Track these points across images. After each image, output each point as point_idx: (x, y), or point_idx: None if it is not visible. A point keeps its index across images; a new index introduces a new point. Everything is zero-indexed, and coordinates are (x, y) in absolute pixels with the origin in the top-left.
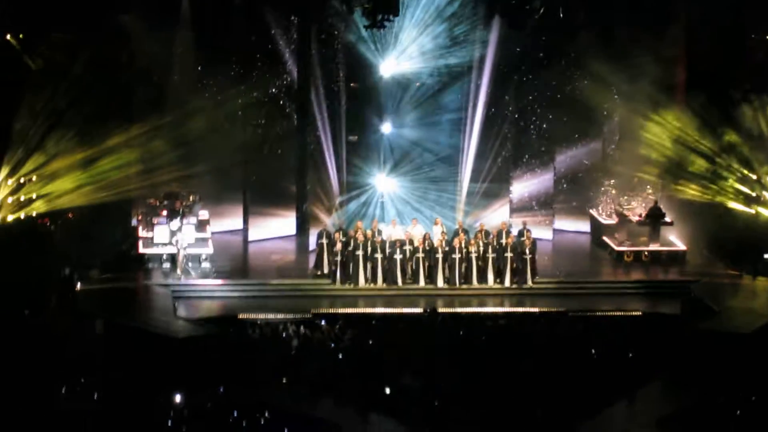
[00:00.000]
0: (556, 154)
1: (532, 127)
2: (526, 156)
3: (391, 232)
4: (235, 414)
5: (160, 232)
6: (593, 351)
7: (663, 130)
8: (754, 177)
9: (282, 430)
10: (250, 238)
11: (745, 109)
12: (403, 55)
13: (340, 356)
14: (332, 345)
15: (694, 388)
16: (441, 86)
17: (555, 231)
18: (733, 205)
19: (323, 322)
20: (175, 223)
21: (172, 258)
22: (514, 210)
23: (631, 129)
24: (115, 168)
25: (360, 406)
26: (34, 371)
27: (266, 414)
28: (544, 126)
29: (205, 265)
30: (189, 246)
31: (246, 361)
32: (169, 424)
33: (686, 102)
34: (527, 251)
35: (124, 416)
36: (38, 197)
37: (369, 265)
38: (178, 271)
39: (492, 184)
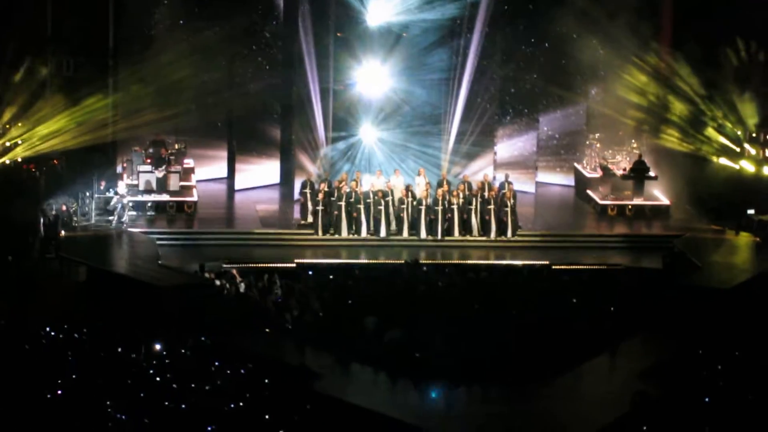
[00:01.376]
0: (540, 114)
1: (516, 88)
2: (510, 114)
3: (375, 182)
4: (217, 363)
5: (145, 179)
6: (575, 303)
7: (645, 73)
8: (738, 132)
9: (263, 378)
10: (236, 187)
11: (731, 54)
12: (390, 5)
13: (322, 307)
14: (314, 295)
15: (675, 342)
16: (428, 40)
17: (539, 184)
18: (716, 158)
19: (310, 273)
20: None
21: (157, 206)
22: (499, 167)
23: (615, 73)
24: (97, 110)
25: (340, 355)
26: (18, 317)
27: (248, 363)
28: (528, 87)
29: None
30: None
31: (227, 310)
32: (151, 372)
33: (671, 43)
34: (508, 203)
35: (105, 364)
36: (21, 141)
37: (352, 216)
38: (115, 220)
39: (476, 143)
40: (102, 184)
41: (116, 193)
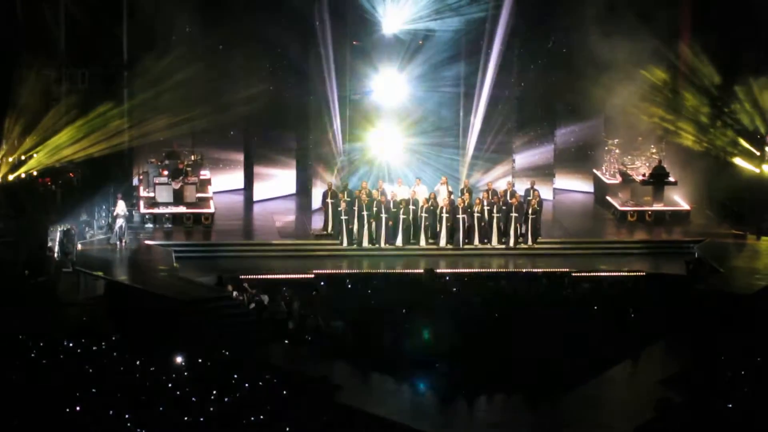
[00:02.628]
0: (558, 122)
1: (534, 98)
2: (529, 123)
3: (396, 191)
4: (236, 376)
5: (162, 191)
6: (596, 310)
7: (663, 69)
8: (759, 127)
9: (282, 390)
10: (255, 198)
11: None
12: (406, 14)
13: (342, 317)
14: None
15: (697, 348)
16: (446, 50)
17: (558, 191)
18: (737, 161)
19: (322, 284)
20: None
21: (174, 218)
22: (517, 174)
23: (633, 73)
24: (111, 119)
25: (361, 366)
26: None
27: (268, 375)
28: (546, 96)
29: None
30: (123, 216)
31: (247, 322)
32: (170, 385)
33: (690, 35)
34: (531, 211)
35: (124, 377)
36: (36, 153)
37: (373, 225)
38: (116, 241)
39: (495, 152)
40: (119, 197)
41: (114, 214)
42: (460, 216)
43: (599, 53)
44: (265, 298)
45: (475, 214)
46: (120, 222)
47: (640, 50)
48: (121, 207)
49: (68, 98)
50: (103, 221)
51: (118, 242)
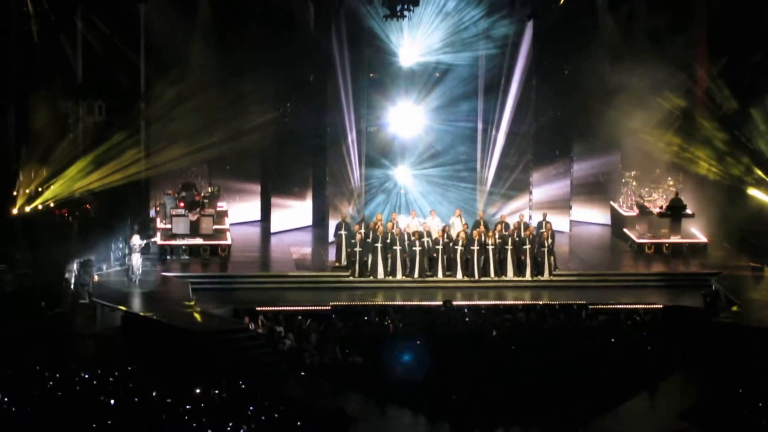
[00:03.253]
0: (575, 156)
1: (551, 133)
2: (546, 157)
3: (410, 223)
4: (252, 408)
5: (179, 223)
6: (613, 342)
7: (680, 96)
8: None
9: (296, 422)
10: (271, 230)
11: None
12: (422, 46)
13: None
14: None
15: (715, 381)
16: (464, 82)
17: (575, 223)
18: (753, 192)
19: (333, 316)
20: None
21: (190, 250)
22: (534, 207)
23: (649, 102)
24: (127, 149)
25: (377, 398)
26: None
27: (283, 407)
28: (563, 131)
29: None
30: (138, 249)
31: (263, 354)
32: (186, 417)
33: (708, 59)
34: (546, 243)
35: (140, 408)
36: (52, 184)
37: (388, 257)
38: (131, 275)
39: (512, 186)
40: (136, 228)
41: (129, 248)
42: (475, 248)
43: (614, 82)
44: (280, 330)
45: (489, 247)
46: (135, 257)
47: (655, 77)
48: (135, 240)
49: (84, 129)
50: (120, 253)
51: (133, 276)
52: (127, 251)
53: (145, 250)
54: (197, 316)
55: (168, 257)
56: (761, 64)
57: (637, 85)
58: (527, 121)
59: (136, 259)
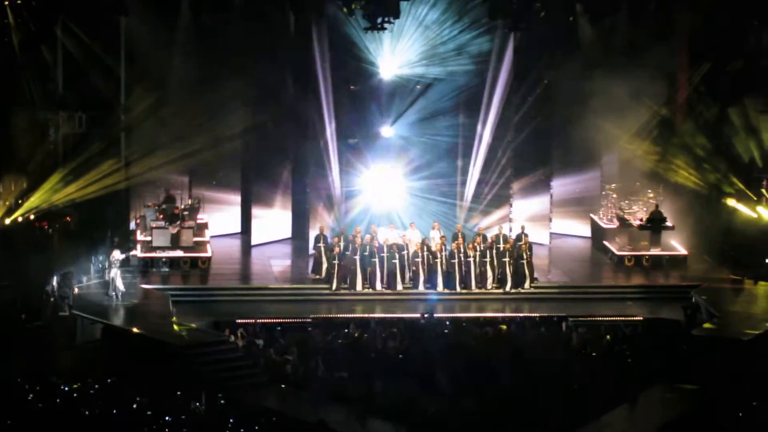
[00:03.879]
0: (555, 175)
1: (531, 148)
2: (526, 172)
3: (388, 235)
4: (232, 421)
5: (159, 235)
6: (593, 356)
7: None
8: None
9: None
10: (252, 242)
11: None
12: (403, 59)
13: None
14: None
15: (695, 393)
16: (445, 97)
17: (555, 235)
18: (732, 203)
19: (310, 329)
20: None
21: (171, 262)
22: (514, 220)
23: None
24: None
25: (359, 411)
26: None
27: (264, 420)
28: (543, 147)
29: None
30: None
31: (243, 366)
32: (166, 430)
33: (689, 65)
34: (524, 255)
35: (121, 422)
36: (31, 195)
37: (367, 270)
38: (113, 292)
39: (492, 200)
40: (116, 240)
41: (108, 262)
42: (454, 261)
43: (595, 90)
44: (259, 342)
45: (469, 259)
46: (114, 271)
47: (635, 86)
48: (116, 255)
49: (65, 139)
50: (100, 265)
51: (114, 292)
52: (107, 266)
53: (125, 264)
54: (177, 328)
55: (148, 269)
56: (742, 72)
57: (618, 94)
58: (508, 134)
59: (116, 274)
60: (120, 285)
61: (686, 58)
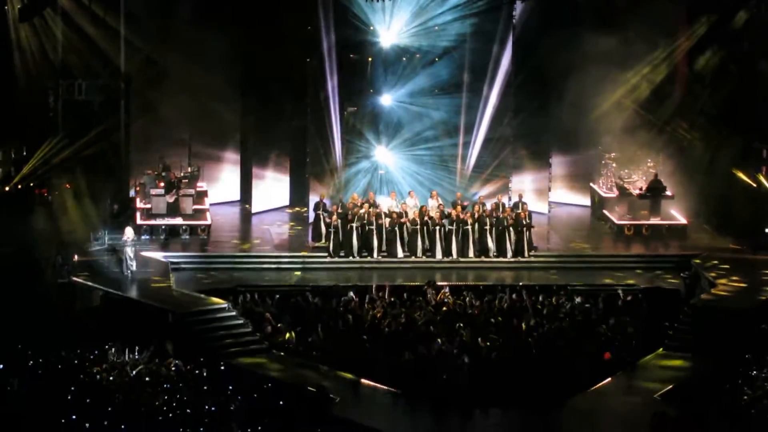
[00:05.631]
0: (552, 155)
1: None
2: (527, 143)
3: (388, 204)
4: (231, 387)
5: (158, 203)
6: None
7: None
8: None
9: (278, 401)
10: (252, 210)
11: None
12: (402, 27)
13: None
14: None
15: (693, 362)
16: (448, 65)
17: (554, 204)
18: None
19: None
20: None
21: (170, 229)
22: (514, 189)
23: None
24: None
25: (358, 379)
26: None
27: (263, 387)
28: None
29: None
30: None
31: (243, 334)
32: (165, 398)
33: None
34: (523, 223)
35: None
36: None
37: (365, 237)
38: (128, 271)
39: (493, 171)
40: (115, 207)
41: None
42: (453, 228)
43: (596, 51)
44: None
45: (468, 228)
46: (128, 250)
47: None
48: (128, 234)
49: (64, 107)
50: (101, 234)
51: (128, 270)
52: (120, 245)
53: (136, 241)
54: (176, 295)
55: (148, 237)
56: (747, 25)
57: (618, 54)
58: (510, 103)
59: (130, 252)
60: (133, 263)
61: (688, 12)
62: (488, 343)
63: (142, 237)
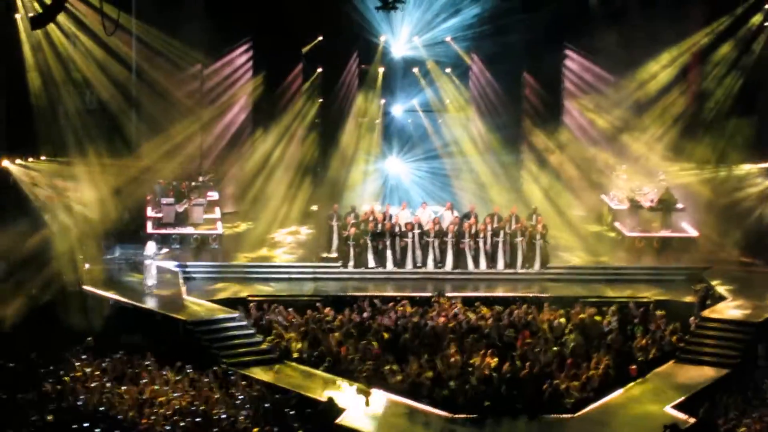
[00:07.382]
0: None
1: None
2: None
3: (401, 215)
4: (242, 396)
5: (169, 212)
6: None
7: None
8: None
9: (287, 412)
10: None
11: None
12: (415, 38)
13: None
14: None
15: (705, 374)
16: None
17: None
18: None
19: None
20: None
21: (181, 238)
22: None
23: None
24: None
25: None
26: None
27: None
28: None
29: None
30: (156, 255)
31: (253, 343)
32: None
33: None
34: (538, 236)
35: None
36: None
37: (378, 248)
38: (150, 282)
39: (505, 179)
40: (127, 216)
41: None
42: (466, 240)
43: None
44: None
45: (480, 239)
46: (149, 263)
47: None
48: (150, 248)
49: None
50: (112, 244)
51: (150, 282)
52: (142, 259)
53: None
54: (187, 304)
55: (167, 249)
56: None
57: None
58: (521, 114)
59: (152, 267)
60: (154, 278)
61: (702, 14)
62: (498, 357)
63: (162, 250)
